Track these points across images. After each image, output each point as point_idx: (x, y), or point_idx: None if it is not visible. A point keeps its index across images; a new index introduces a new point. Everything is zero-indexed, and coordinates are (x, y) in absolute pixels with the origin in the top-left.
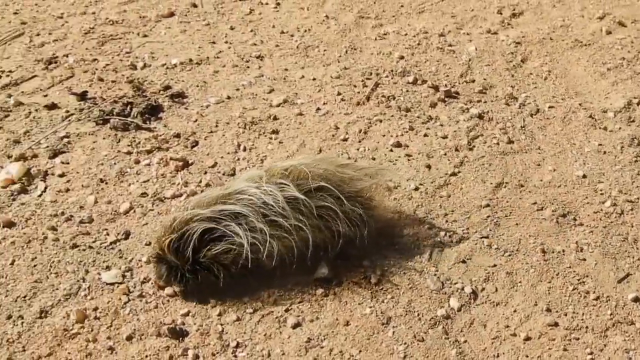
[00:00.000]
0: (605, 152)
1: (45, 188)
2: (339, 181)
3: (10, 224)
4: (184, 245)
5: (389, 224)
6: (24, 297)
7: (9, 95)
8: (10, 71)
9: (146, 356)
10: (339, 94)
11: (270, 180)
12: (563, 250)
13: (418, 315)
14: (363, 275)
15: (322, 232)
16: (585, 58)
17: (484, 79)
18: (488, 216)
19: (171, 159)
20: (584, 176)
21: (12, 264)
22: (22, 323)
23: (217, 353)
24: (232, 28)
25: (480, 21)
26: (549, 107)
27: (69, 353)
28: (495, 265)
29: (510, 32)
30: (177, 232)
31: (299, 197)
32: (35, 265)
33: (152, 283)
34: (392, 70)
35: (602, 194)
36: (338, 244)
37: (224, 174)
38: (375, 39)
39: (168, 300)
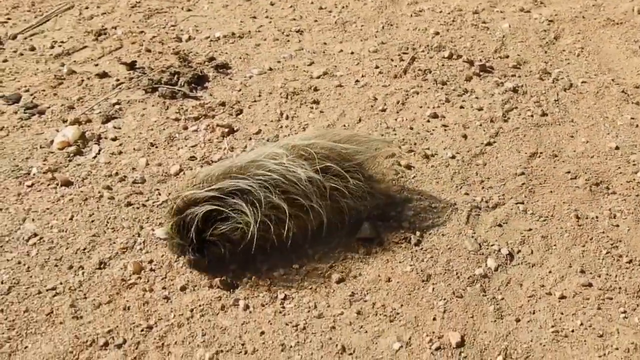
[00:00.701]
0: (637, 126)
1: (99, 151)
2: (338, 157)
3: (67, 183)
4: (188, 227)
5: (427, 190)
6: (84, 249)
7: (62, 64)
8: (62, 42)
9: (199, 305)
10: (376, 67)
11: (291, 159)
12: (596, 217)
13: (457, 273)
14: (403, 236)
15: (334, 212)
16: (617, 36)
17: (518, 55)
18: (523, 183)
19: (217, 125)
20: (617, 148)
21: (70, 219)
22: (83, 273)
23: (266, 304)
24: (272, 4)
25: (513, 0)
26: (582, 82)
27: (127, 301)
28: (530, 230)
29: (543, 10)
30: (181, 214)
31: (314, 178)
32: (92, 221)
33: None
34: (427, 45)
35: (634, 164)
36: (347, 221)
37: (268, 140)
38: (411, 16)
39: (219, 258)
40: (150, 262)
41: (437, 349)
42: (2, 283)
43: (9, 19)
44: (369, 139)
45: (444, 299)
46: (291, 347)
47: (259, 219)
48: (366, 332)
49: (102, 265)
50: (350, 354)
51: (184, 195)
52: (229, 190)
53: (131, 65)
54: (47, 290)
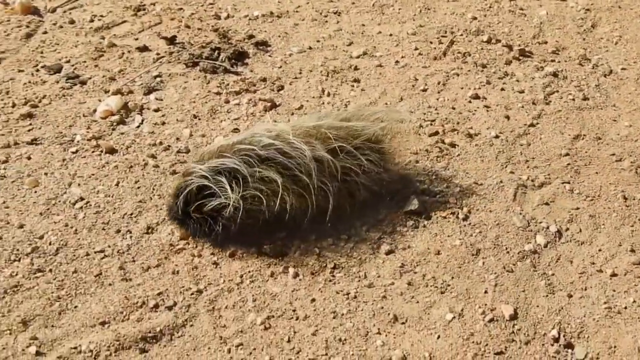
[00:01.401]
0: None
1: (142, 121)
2: (347, 135)
3: (112, 151)
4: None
5: (472, 167)
6: (131, 214)
7: (102, 37)
8: (101, 15)
9: (249, 271)
10: (416, 48)
11: (297, 136)
12: None
13: (506, 248)
14: (451, 211)
15: (342, 194)
16: None
17: (556, 41)
18: (568, 164)
19: (260, 99)
20: None
21: (116, 185)
22: (131, 237)
23: (316, 272)
24: None
25: None
26: (622, 69)
27: (176, 265)
28: (578, 208)
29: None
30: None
31: (324, 157)
32: (138, 187)
33: None
34: (466, 30)
35: None
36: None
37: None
38: (448, 1)
39: (266, 224)
40: None
41: (490, 320)
42: (50, 244)
43: None
44: (374, 112)
45: (495, 273)
46: (343, 314)
47: (239, 195)
48: (417, 302)
49: (149, 230)
50: (403, 323)
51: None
52: (218, 169)
53: (171, 40)
54: (95, 252)
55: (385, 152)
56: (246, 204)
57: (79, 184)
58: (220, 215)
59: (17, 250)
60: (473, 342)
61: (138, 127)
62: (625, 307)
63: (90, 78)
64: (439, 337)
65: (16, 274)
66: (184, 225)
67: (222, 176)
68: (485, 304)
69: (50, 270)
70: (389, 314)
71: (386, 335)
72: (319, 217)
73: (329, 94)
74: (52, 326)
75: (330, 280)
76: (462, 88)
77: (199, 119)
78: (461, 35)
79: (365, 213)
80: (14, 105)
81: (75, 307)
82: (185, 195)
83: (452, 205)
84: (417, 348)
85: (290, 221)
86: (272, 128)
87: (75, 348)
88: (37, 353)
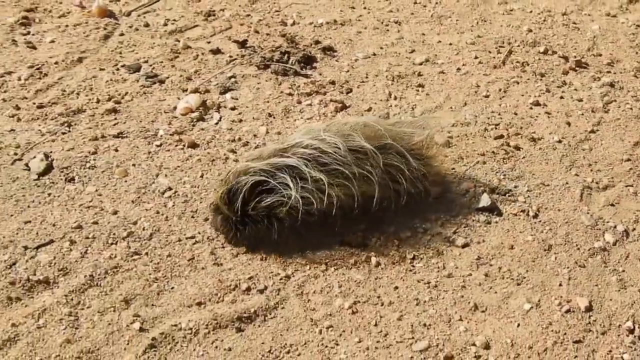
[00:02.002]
0: None
1: (220, 118)
2: (396, 138)
3: (193, 145)
4: (234, 197)
5: (537, 169)
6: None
7: (177, 40)
8: (174, 20)
9: (333, 260)
10: (475, 57)
11: (333, 131)
12: None
13: (576, 245)
14: (520, 209)
15: (388, 189)
16: None
17: (610, 54)
18: (630, 169)
19: (331, 100)
20: None
21: (201, 176)
22: None
23: (396, 262)
24: None
25: (599, 5)
26: None
27: (264, 252)
28: None
29: (629, 16)
30: (229, 184)
31: (366, 147)
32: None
33: None
34: (522, 41)
35: None
36: (402, 201)
37: (379, 117)
38: (503, 14)
39: (345, 216)
40: None
41: (567, 311)
42: (144, 229)
43: None
44: (414, 122)
45: (568, 267)
46: (425, 302)
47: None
48: (495, 292)
49: None
50: (483, 311)
51: (236, 168)
52: (278, 166)
53: (242, 44)
54: (186, 238)
55: (428, 157)
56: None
57: (165, 175)
58: (273, 214)
59: (114, 234)
60: (552, 330)
61: (217, 123)
62: None
63: (168, 77)
64: (518, 325)
65: (115, 256)
66: (243, 227)
67: (284, 173)
68: (561, 296)
69: (147, 254)
70: (469, 302)
71: (468, 322)
72: (399, 211)
73: (395, 97)
74: (152, 305)
75: (410, 270)
76: (522, 95)
77: (274, 118)
78: (518, 46)
79: (439, 209)
80: (98, 101)
81: (172, 288)
82: (243, 194)
83: (522, 203)
84: (498, 335)
85: (370, 215)
86: (312, 129)
87: (175, 325)
88: (141, 329)
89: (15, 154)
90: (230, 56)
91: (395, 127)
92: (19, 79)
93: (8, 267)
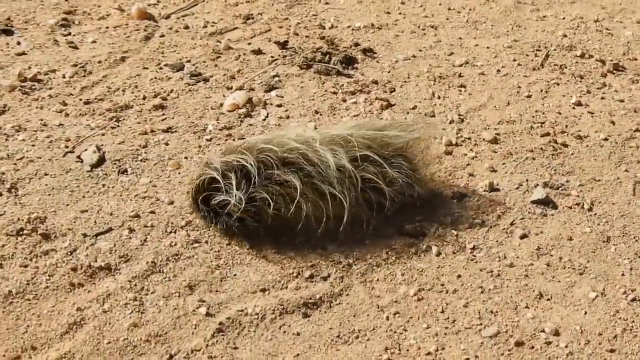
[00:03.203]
0: None
1: (267, 114)
2: (378, 144)
3: (243, 140)
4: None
5: (587, 165)
6: None
7: (218, 41)
8: (214, 22)
9: (393, 249)
10: (514, 60)
11: (324, 143)
12: None
13: (634, 237)
14: (575, 202)
15: (360, 206)
16: None
17: None
18: None
19: (376, 98)
20: None
21: None
22: None
23: (457, 252)
24: (402, 3)
25: (629, 13)
26: None
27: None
28: None
29: None
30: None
31: (346, 167)
32: None
33: None
34: (558, 45)
35: None
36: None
37: (425, 115)
38: (536, 20)
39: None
40: None
41: (633, 300)
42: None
43: (158, 1)
44: (407, 124)
45: (628, 258)
46: (490, 290)
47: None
48: (559, 281)
49: None
50: (548, 299)
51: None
52: (231, 164)
53: (283, 45)
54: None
55: (415, 160)
56: (252, 205)
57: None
58: (224, 211)
59: (172, 223)
60: (620, 318)
61: (264, 119)
62: None
63: (211, 76)
64: (585, 313)
65: (175, 244)
66: (198, 212)
67: (232, 173)
68: (625, 285)
69: (206, 242)
70: (533, 290)
71: (535, 310)
72: (454, 204)
73: (439, 97)
74: (216, 291)
75: (472, 260)
76: (564, 96)
77: (321, 115)
78: (554, 49)
79: (496, 201)
80: (144, 98)
81: (235, 275)
82: (198, 185)
83: (575, 197)
84: (567, 322)
85: (424, 206)
86: (302, 133)
87: (241, 311)
88: (207, 314)
89: (66, 146)
90: (272, 56)
91: (386, 130)
92: (64, 77)
93: (69, 253)
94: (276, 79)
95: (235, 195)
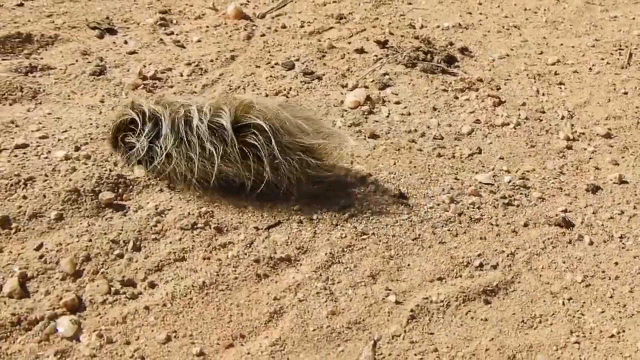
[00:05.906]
0: None
1: (389, 111)
2: (291, 130)
3: (374, 136)
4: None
5: None
6: (414, 188)
7: (319, 40)
8: (309, 22)
9: (548, 239)
10: (602, 58)
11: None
12: None
13: None
14: None
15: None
16: None
17: None
18: None
19: (488, 95)
20: None
21: (394, 164)
22: (426, 207)
23: (607, 241)
24: (480, 3)
25: None
26: None
27: (481, 232)
28: None
29: None
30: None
31: (226, 128)
32: (414, 167)
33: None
34: (638, 44)
35: None
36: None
37: (536, 111)
38: (609, 20)
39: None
40: (478, 207)
41: None
42: (361, 212)
43: (248, 1)
44: (330, 131)
45: None
46: None
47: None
48: None
49: (452, 201)
50: None
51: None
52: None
53: (384, 44)
54: (402, 220)
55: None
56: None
57: (358, 163)
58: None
59: (336, 216)
60: None
61: (387, 116)
62: None
63: (324, 74)
64: None
65: (345, 236)
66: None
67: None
68: None
69: (373, 234)
70: None
71: None
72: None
73: (543, 94)
74: (397, 280)
75: (622, 247)
76: None
77: (439, 111)
78: (635, 48)
79: (627, 191)
80: (266, 95)
81: (408, 265)
82: (119, 123)
83: None
84: None
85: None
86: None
87: (426, 298)
88: (396, 302)
89: None
90: (376, 55)
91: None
92: (181, 75)
93: (247, 245)
94: (386, 77)
95: (144, 142)
